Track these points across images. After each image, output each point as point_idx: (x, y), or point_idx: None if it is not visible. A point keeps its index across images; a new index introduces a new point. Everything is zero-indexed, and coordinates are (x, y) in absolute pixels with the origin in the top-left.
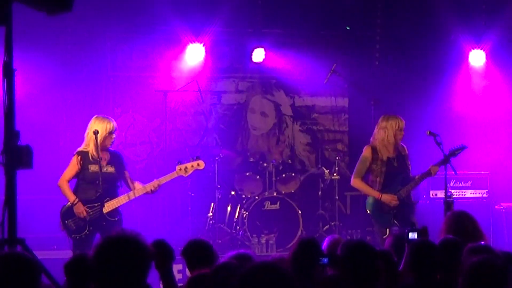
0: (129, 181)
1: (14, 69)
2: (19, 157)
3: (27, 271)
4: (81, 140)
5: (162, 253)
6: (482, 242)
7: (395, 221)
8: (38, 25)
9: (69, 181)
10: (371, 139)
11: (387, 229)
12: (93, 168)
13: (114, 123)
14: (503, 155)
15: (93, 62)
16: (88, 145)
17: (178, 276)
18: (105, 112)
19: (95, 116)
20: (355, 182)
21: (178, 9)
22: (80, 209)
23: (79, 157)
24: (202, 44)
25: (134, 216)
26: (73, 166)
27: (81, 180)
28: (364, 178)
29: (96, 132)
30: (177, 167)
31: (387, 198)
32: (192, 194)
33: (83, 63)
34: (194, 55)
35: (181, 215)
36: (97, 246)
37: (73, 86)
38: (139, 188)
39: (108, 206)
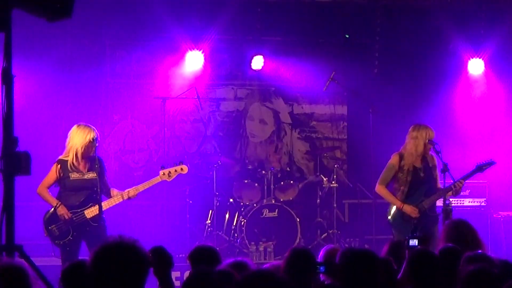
0: (107, 187)
1: (13, 75)
2: (17, 163)
3: (17, 279)
4: None
5: (160, 260)
6: (479, 251)
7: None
8: (37, 31)
9: (48, 188)
10: (401, 148)
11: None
12: (74, 176)
13: (96, 132)
14: (501, 163)
15: (92, 69)
16: (68, 154)
17: (176, 283)
18: (104, 119)
19: (76, 124)
20: (379, 189)
21: (177, 17)
22: (64, 211)
23: (59, 165)
24: (201, 51)
25: (132, 223)
26: (52, 174)
27: (62, 188)
28: (388, 186)
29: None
30: (161, 172)
31: (408, 209)
32: (190, 202)
33: (82, 69)
34: (193, 62)
35: (179, 223)
36: (94, 252)
37: (72, 92)
38: (132, 188)
39: (91, 212)
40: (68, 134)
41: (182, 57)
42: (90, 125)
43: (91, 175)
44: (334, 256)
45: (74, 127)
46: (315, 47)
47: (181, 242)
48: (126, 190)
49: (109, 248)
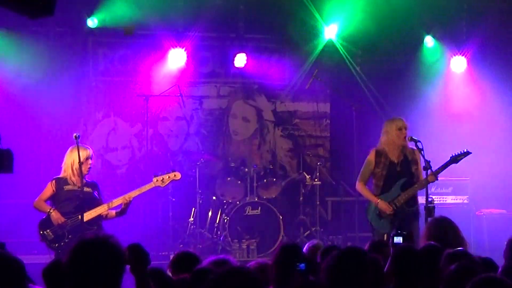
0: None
1: None
2: None
3: (13, 270)
4: (61, 144)
5: (137, 257)
6: (461, 248)
7: (394, 227)
8: (20, 28)
9: (45, 202)
10: (378, 144)
11: (385, 235)
12: (68, 187)
13: (90, 150)
14: (483, 161)
15: (75, 67)
16: (65, 172)
17: None
18: (86, 117)
19: (71, 147)
20: (358, 186)
21: (160, 14)
22: (57, 216)
23: (54, 181)
24: (183, 49)
25: (115, 221)
26: (47, 189)
27: (57, 202)
28: (369, 182)
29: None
30: (154, 179)
31: (383, 205)
32: (173, 199)
33: (65, 67)
34: (175, 60)
35: (162, 220)
36: (70, 249)
37: (54, 90)
38: (117, 199)
39: (87, 215)
40: (65, 156)
41: (164, 54)
42: (85, 145)
43: (86, 189)
44: (317, 252)
45: (69, 149)
46: (297, 45)
47: (164, 240)
48: (111, 202)
49: (84, 244)
